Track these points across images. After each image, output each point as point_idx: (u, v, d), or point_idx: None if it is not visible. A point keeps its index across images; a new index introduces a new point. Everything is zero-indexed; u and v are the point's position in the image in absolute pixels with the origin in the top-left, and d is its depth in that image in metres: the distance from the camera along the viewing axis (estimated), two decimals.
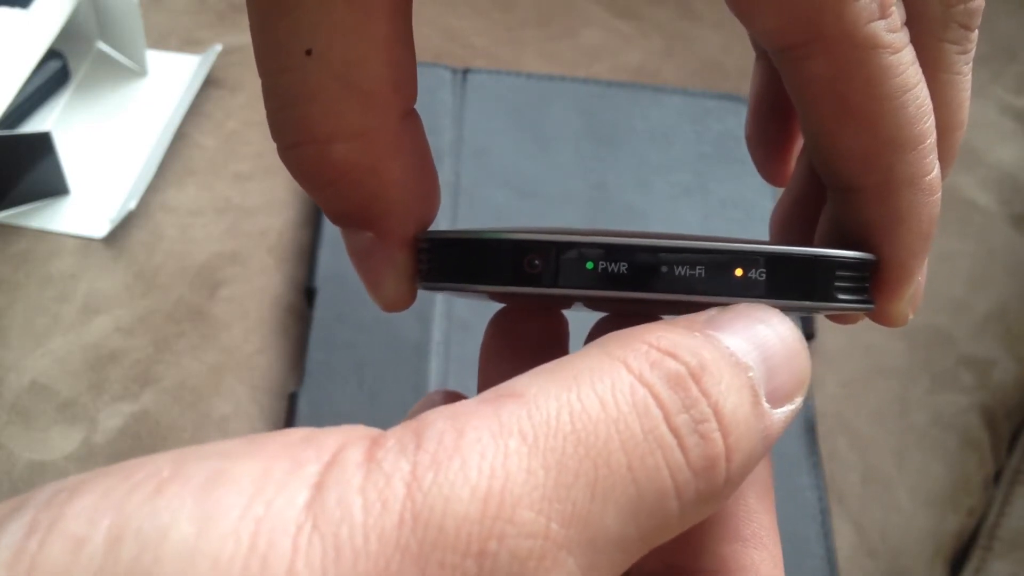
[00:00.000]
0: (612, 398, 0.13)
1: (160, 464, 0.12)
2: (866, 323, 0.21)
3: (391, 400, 0.41)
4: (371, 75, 0.17)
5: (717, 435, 0.14)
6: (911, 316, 0.20)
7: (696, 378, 0.14)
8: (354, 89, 0.17)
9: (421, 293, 0.20)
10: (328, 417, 0.40)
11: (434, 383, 0.42)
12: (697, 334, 0.15)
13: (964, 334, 0.49)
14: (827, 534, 0.41)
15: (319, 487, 0.12)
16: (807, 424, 0.43)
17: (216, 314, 0.44)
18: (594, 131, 0.51)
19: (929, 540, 0.43)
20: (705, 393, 0.14)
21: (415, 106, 0.19)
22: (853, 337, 0.48)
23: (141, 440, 0.40)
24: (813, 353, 0.47)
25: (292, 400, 0.41)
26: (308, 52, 0.17)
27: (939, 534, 0.43)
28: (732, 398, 0.14)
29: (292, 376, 0.43)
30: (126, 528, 0.11)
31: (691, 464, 0.13)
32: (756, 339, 0.15)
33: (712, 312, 0.16)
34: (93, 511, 0.11)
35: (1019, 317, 0.50)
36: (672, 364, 0.14)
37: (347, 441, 0.13)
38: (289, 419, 0.41)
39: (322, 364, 0.42)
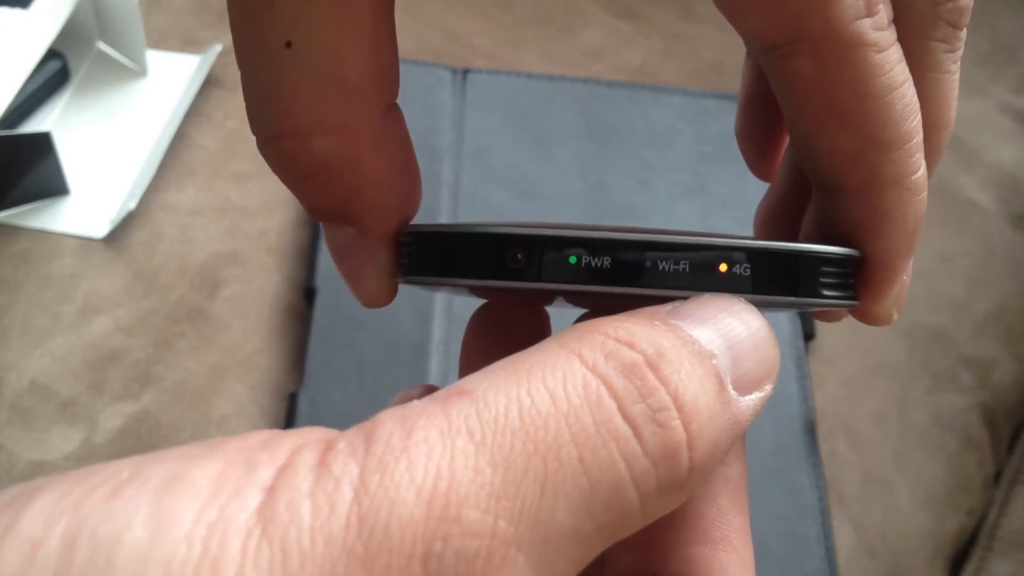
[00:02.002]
0: (563, 391, 0.13)
1: (120, 467, 0.12)
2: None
3: (391, 400, 0.41)
4: (352, 69, 0.17)
5: (677, 423, 0.14)
6: (895, 316, 0.20)
7: (653, 366, 0.14)
8: (334, 83, 0.17)
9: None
10: (328, 417, 0.40)
11: (434, 382, 0.42)
12: (658, 323, 0.15)
13: (964, 334, 0.49)
14: (827, 534, 0.41)
15: (271, 491, 0.12)
16: (807, 424, 0.43)
17: (216, 314, 0.44)
18: (594, 131, 0.51)
19: (929, 540, 0.43)
20: (664, 381, 0.14)
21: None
22: (853, 337, 0.48)
23: (141, 440, 0.40)
24: (813, 353, 0.47)
25: (292, 400, 0.41)
26: (288, 45, 0.16)
27: (939, 534, 0.43)
28: (693, 385, 0.14)
29: (292, 376, 0.43)
30: (81, 531, 0.11)
31: (649, 453, 0.13)
32: (720, 327, 0.15)
33: (676, 302, 0.16)
34: (50, 513, 0.11)
35: (1019, 317, 0.50)
36: (628, 353, 0.14)
37: (303, 444, 0.13)
38: (289, 419, 0.41)
39: (322, 364, 0.42)
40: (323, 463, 0.12)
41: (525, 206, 0.48)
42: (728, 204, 0.49)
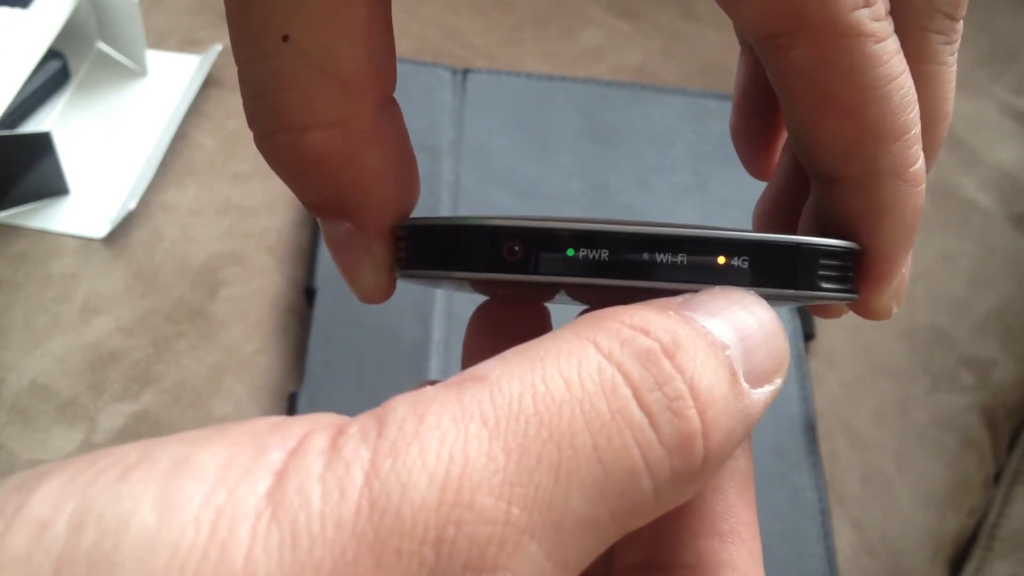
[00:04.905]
0: (578, 378, 0.13)
1: (128, 451, 0.12)
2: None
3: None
4: (348, 63, 0.17)
5: (693, 412, 0.14)
6: (895, 309, 0.20)
7: (669, 354, 0.14)
8: (331, 77, 0.17)
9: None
10: None
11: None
12: (672, 313, 0.15)
13: (964, 334, 0.49)
14: (827, 534, 0.41)
15: (281, 475, 0.12)
16: (807, 424, 0.43)
17: (216, 314, 0.44)
18: (594, 131, 0.51)
19: (929, 540, 0.43)
20: (680, 369, 0.14)
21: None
22: (853, 337, 0.48)
23: (141, 440, 0.40)
24: (813, 353, 0.47)
25: (292, 400, 0.41)
26: (284, 39, 0.16)
27: (939, 534, 0.43)
28: (708, 375, 0.14)
29: (292, 376, 0.43)
30: (89, 514, 0.11)
31: (664, 442, 0.13)
32: (732, 319, 0.15)
33: (688, 294, 0.16)
34: (58, 496, 0.11)
35: (1019, 317, 0.50)
36: (644, 341, 0.14)
37: (313, 428, 0.13)
38: None
39: (322, 364, 0.42)
40: (334, 447, 0.12)
41: (525, 206, 0.48)
42: (728, 204, 0.49)
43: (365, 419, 0.13)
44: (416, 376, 0.42)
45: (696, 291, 0.16)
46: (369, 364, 0.42)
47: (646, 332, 0.14)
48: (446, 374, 0.42)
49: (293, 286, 0.45)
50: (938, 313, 0.49)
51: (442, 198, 0.47)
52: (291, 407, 0.41)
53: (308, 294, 0.44)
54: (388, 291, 0.20)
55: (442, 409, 0.13)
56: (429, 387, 0.13)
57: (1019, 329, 0.50)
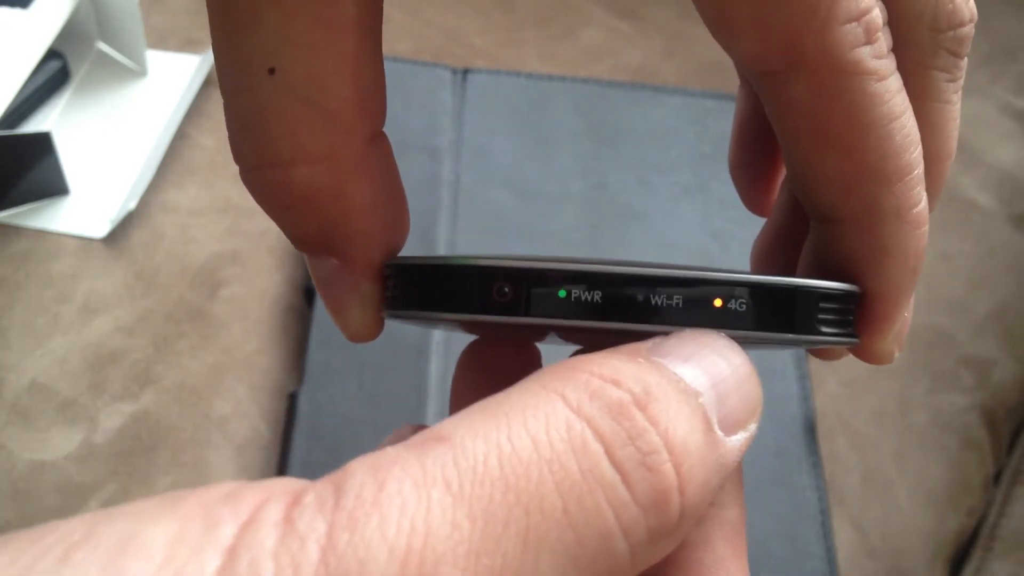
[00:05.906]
0: (546, 436, 0.13)
1: (73, 528, 0.12)
2: None
3: (391, 400, 0.41)
4: (336, 96, 0.16)
5: (668, 466, 0.13)
6: (897, 354, 0.19)
7: (641, 406, 0.13)
8: (318, 110, 0.16)
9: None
10: (328, 417, 0.40)
11: (434, 383, 0.42)
12: (641, 360, 0.14)
13: (964, 334, 0.49)
14: (827, 534, 0.41)
15: (232, 551, 0.11)
16: (807, 424, 0.43)
17: (216, 314, 0.44)
18: (594, 131, 0.51)
19: (929, 540, 0.43)
20: (653, 421, 0.13)
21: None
22: None
23: (141, 440, 0.40)
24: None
25: (292, 400, 0.41)
26: (271, 71, 0.16)
27: (939, 534, 0.43)
28: (683, 425, 0.13)
29: (292, 376, 0.43)
30: None
31: (638, 500, 0.13)
32: (704, 364, 0.15)
33: (657, 339, 0.15)
34: None
35: (1019, 317, 0.50)
36: (614, 392, 0.13)
37: (268, 498, 0.12)
38: (289, 419, 0.41)
39: (322, 364, 0.42)
40: (288, 519, 0.11)
41: (525, 206, 0.48)
42: (728, 204, 0.49)
43: (322, 486, 0.12)
44: (416, 376, 0.42)
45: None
46: (369, 364, 0.42)
47: (616, 383, 0.13)
48: (446, 374, 0.42)
49: (293, 286, 0.45)
50: (938, 313, 0.49)
51: (442, 198, 0.47)
52: (291, 407, 0.41)
53: (308, 294, 0.44)
54: (376, 331, 0.19)
55: (403, 474, 0.12)
56: (390, 448, 0.13)
57: (1019, 329, 0.50)
